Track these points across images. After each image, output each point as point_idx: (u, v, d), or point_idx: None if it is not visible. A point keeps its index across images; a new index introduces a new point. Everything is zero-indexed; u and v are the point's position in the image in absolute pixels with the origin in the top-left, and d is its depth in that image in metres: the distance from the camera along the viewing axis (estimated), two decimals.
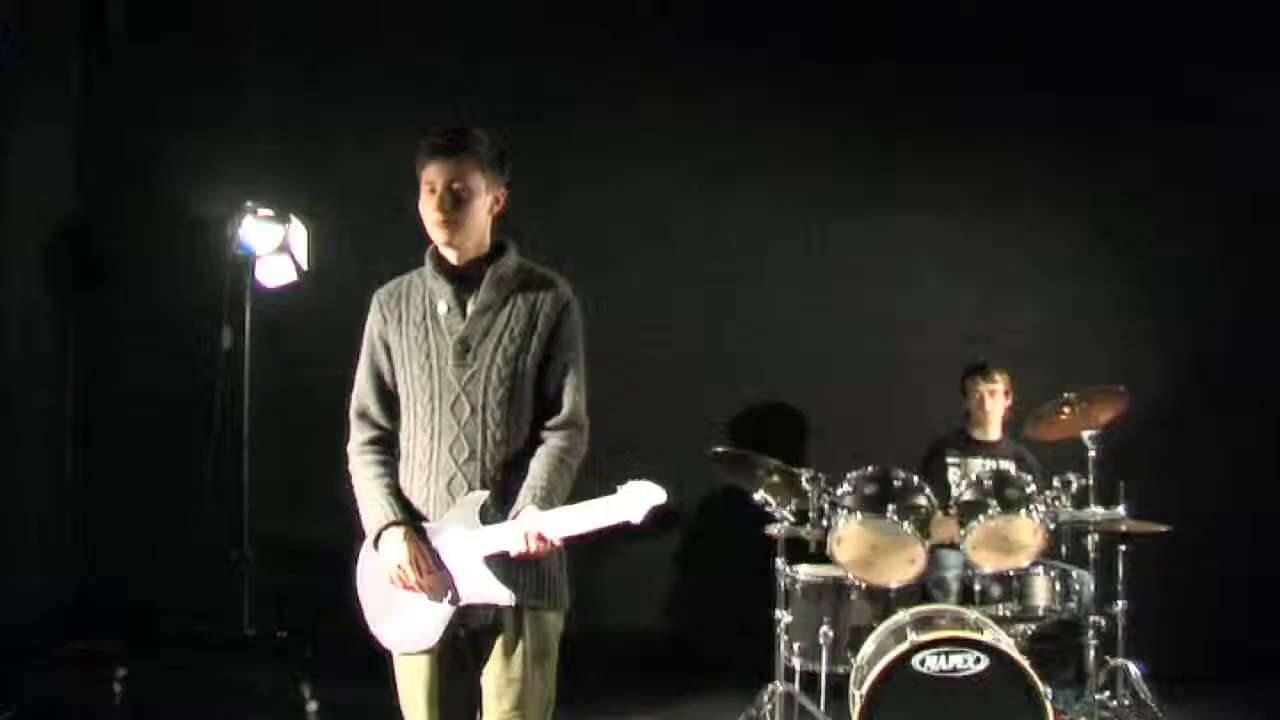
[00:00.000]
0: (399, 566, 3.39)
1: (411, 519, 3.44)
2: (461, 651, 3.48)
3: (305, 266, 6.18)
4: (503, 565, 3.35)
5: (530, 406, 3.47)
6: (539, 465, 3.41)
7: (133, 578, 6.75)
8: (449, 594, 3.39)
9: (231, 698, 5.91)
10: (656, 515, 3.27)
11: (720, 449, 5.61)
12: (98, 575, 6.99)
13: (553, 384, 3.49)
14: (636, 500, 3.24)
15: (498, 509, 3.39)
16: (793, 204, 6.89)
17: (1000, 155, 6.84)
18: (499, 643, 3.46)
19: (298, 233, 6.22)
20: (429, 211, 3.46)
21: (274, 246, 6.16)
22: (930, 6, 6.90)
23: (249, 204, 6.14)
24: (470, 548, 3.36)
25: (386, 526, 3.42)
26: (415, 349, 3.48)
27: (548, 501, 3.35)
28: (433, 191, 3.46)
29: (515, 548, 3.30)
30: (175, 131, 6.85)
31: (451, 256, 3.51)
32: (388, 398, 3.54)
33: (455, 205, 3.44)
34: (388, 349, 3.53)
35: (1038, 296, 6.87)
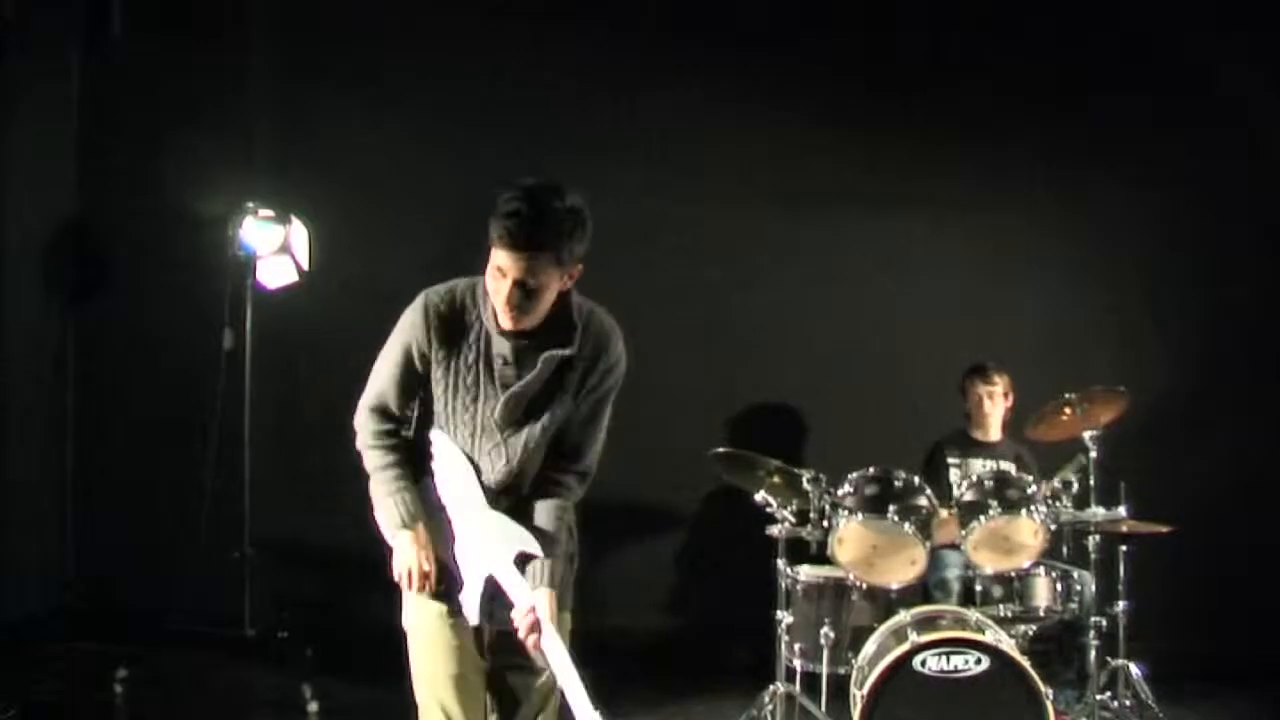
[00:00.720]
0: (408, 570, 3.43)
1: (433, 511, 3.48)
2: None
3: (306, 267, 6.18)
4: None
5: (562, 450, 3.54)
6: (551, 511, 3.50)
7: (133, 578, 6.75)
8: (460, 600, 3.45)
9: (232, 698, 5.91)
10: None
11: (721, 449, 5.61)
12: (98, 575, 6.99)
13: (576, 430, 3.53)
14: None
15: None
16: (792, 204, 6.88)
17: (1000, 155, 6.84)
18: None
19: (299, 233, 6.21)
20: (498, 296, 3.33)
21: (275, 247, 6.16)
22: (930, 6, 6.90)
23: (250, 204, 6.14)
24: (489, 556, 3.42)
25: (400, 530, 3.45)
26: (464, 389, 3.43)
27: (562, 583, 3.49)
28: (503, 276, 3.30)
29: (521, 617, 3.34)
30: (175, 131, 6.85)
31: (514, 321, 3.38)
32: (410, 397, 3.50)
33: (526, 298, 3.31)
34: (426, 366, 3.45)
35: (1038, 296, 6.88)
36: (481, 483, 3.45)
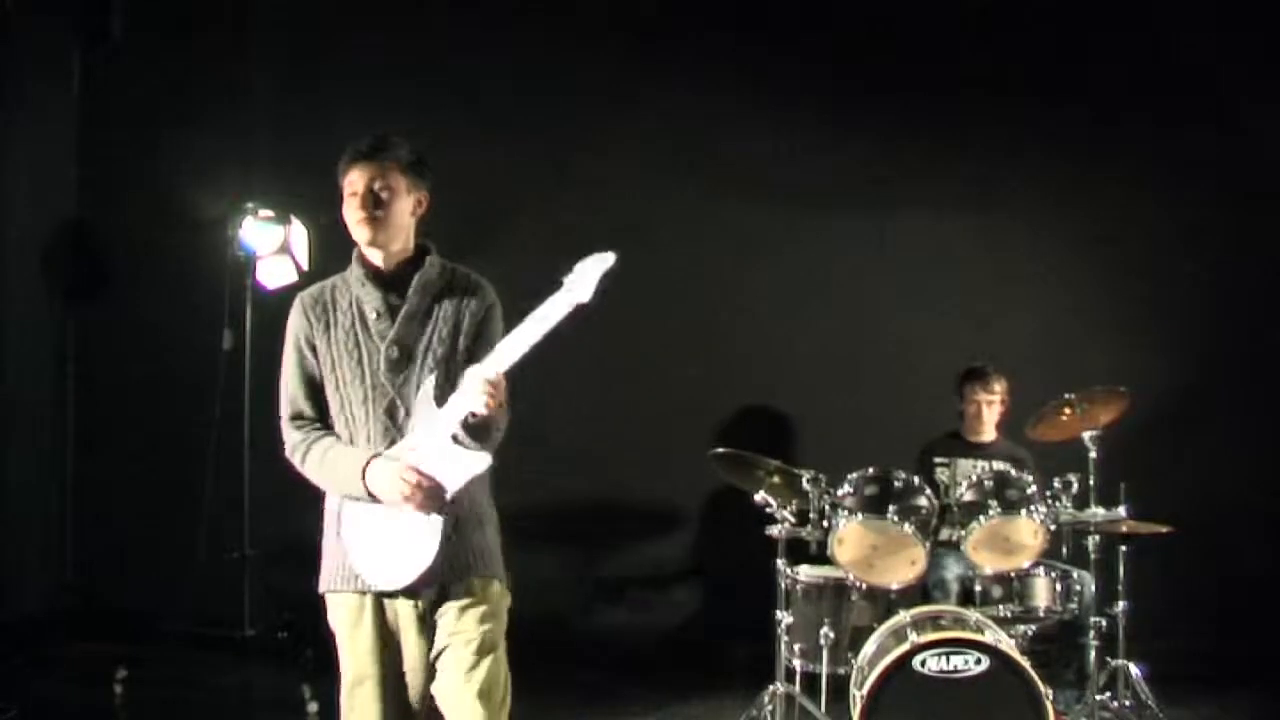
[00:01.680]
0: (403, 478, 3.42)
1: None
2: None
3: (306, 267, 6.18)
4: (447, 538, 3.44)
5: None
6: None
7: (133, 578, 6.76)
8: (441, 502, 3.45)
9: (231, 698, 5.91)
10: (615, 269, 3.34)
11: (721, 450, 5.60)
12: (98, 575, 6.99)
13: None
14: (587, 278, 3.37)
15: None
16: (792, 204, 6.88)
17: (1000, 156, 6.84)
18: (453, 607, 3.53)
19: (298, 234, 6.21)
20: (351, 212, 3.57)
21: (274, 247, 6.15)
22: (931, 6, 6.89)
23: (249, 205, 6.14)
24: (437, 433, 3.44)
25: (369, 462, 3.48)
26: (346, 355, 3.57)
27: (488, 553, 3.52)
28: (355, 194, 3.56)
29: (475, 403, 3.34)
30: (175, 132, 6.86)
31: (377, 259, 3.60)
32: (319, 397, 3.62)
33: (377, 205, 3.54)
34: (315, 353, 3.60)
35: (1037, 297, 6.87)
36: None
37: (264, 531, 6.22)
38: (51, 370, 7.03)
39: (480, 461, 3.46)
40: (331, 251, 6.35)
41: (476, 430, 3.42)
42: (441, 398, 3.48)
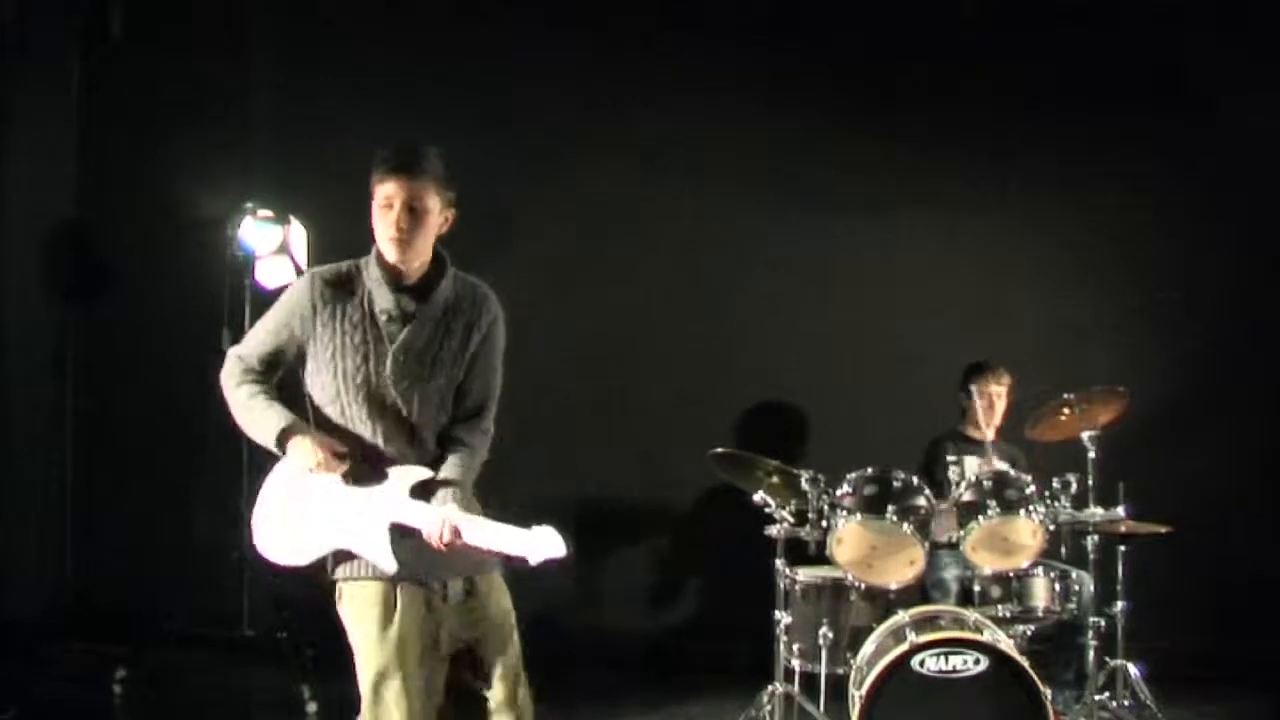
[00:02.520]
0: (318, 461, 3.52)
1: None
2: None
3: (305, 267, 6.18)
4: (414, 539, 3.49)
5: (458, 406, 3.68)
6: (459, 463, 3.59)
7: (132, 578, 6.76)
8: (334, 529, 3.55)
9: (231, 698, 5.92)
10: (553, 564, 3.39)
11: (720, 450, 5.60)
12: (97, 576, 6.99)
13: (475, 390, 3.69)
14: (540, 546, 3.36)
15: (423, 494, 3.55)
16: (793, 204, 6.88)
17: (1000, 156, 6.84)
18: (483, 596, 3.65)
19: (297, 234, 6.22)
20: (385, 227, 3.59)
21: (273, 247, 6.16)
22: (931, 7, 6.89)
23: (248, 205, 6.14)
24: (383, 509, 3.51)
25: (288, 429, 3.57)
26: (351, 347, 3.60)
27: (467, 502, 3.54)
28: (389, 207, 3.58)
29: (431, 532, 3.44)
30: (175, 132, 6.86)
31: (399, 265, 3.64)
32: (275, 364, 3.70)
33: (411, 224, 3.58)
34: (307, 332, 3.62)
35: (1036, 297, 6.87)
36: (381, 448, 3.57)
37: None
38: (50, 370, 7.03)
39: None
40: (331, 252, 6.39)
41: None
42: (442, 405, 3.60)
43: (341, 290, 3.64)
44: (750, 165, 6.90)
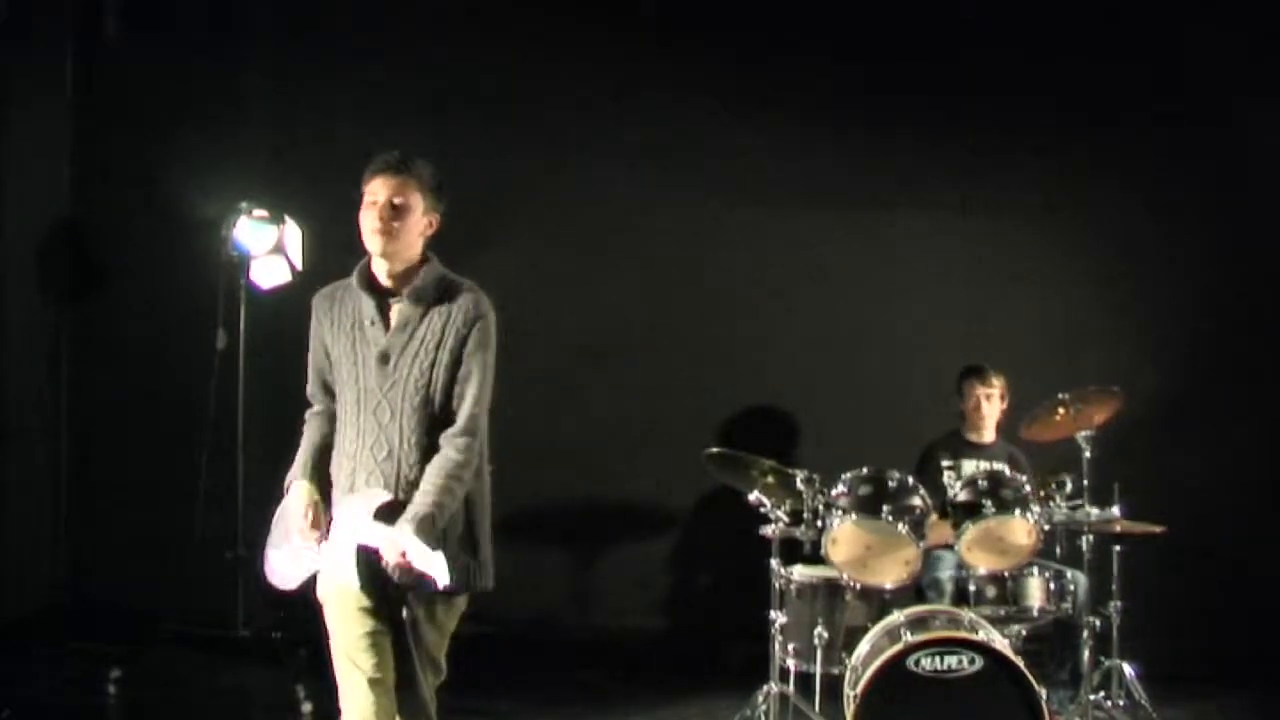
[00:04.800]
0: (299, 528, 3.76)
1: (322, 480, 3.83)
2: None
3: (300, 267, 6.18)
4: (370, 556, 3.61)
5: (440, 411, 3.72)
6: (429, 480, 3.64)
7: (128, 579, 6.75)
8: (315, 553, 3.74)
9: (226, 699, 5.91)
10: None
11: (715, 450, 5.61)
12: (93, 576, 6.98)
13: (455, 394, 3.72)
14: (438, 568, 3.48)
15: (395, 512, 3.62)
16: (790, 206, 6.88)
17: (998, 157, 6.84)
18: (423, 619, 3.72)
19: (292, 233, 6.21)
20: (369, 220, 3.72)
21: (269, 247, 6.15)
22: (930, 7, 6.89)
23: (244, 205, 6.14)
24: (354, 530, 3.65)
25: (295, 480, 3.83)
26: (344, 355, 3.78)
27: (429, 521, 3.56)
28: (374, 204, 3.72)
29: (386, 554, 3.55)
30: (171, 132, 6.85)
31: (382, 270, 3.76)
32: (327, 387, 3.89)
33: (393, 216, 3.70)
34: (325, 349, 3.83)
35: (1032, 297, 6.88)
36: (368, 451, 3.71)
37: (258, 531, 6.21)
38: (46, 370, 7.02)
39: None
40: (326, 252, 6.39)
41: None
42: (422, 407, 3.68)
43: (336, 304, 3.83)
44: (746, 166, 6.90)
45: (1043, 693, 4.69)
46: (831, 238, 6.92)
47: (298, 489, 3.83)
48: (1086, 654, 5.40)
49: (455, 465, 3.64)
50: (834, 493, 5.29)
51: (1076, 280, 6.86)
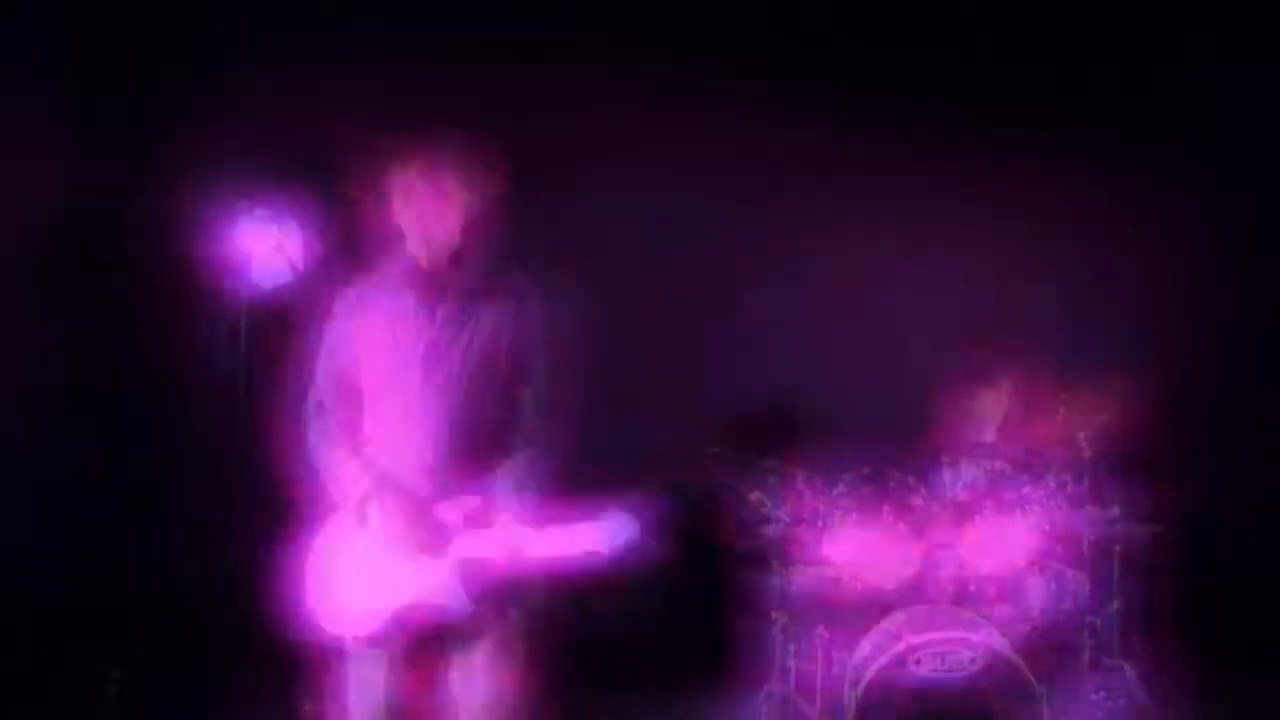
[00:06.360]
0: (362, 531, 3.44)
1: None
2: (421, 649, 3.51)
3: (300, 267, 6.18)
4: (468, 572, 3.38)
5: (496, 409, 3.52)
6: (513, 479, 3.46)
7: (129, 577, 6.74)
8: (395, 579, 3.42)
9: (226, 698, 5.91)
10: (630, 551, 3.35)
11: (715, 449, 5.61)
12: (94, 575, 6.97)
13: (516, 393, 3.55)
14: (607, 534, 3.32)
15: (475, 515, 3.43)
16: (791, 203, 6.88)
17: (1000, 156, 6.83)
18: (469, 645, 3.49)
19: (293, 233, 6.21)
20: (407, 209, 3.54)
21: (269, 247, 6.15)
22: (930, 8, 6.90)
23: (244, 204, 6.14)
24: (444, 545, 3.40)
25: (372, 491, 3.46)
26: (384, 352, 3.52)
27: (525, 516, 3.39)
28: (411, 196, 3.53)
29: (494, 557, 3.34)
30: (172, 132, 6.84)
31: (421, 257, 3.55)
32: (349, 394, 3.59)
33: (434, 204, 3.53)
34: (352, 348, 3.57)
35: (1035, 297, 6.88)
36: (430, 457, 3.46)
37: (258, 531, 6.22)
38: (47, 369, 7.01)
39: None
40: (326, 251, 6.39)
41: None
42: (469, 406, 3.45)
43: (370, 300, 3.61)
44: (747, 164, 6.90)
45: (1043, 693, 4.68)
46: (832, 236, 6.91)
47: (384, 501, 3.45)
48: (1087, 654, 5.39)
49: (529, 459, 3.51)
50: (835, 492, 5.30)
51: (1080, 279, 6.86)
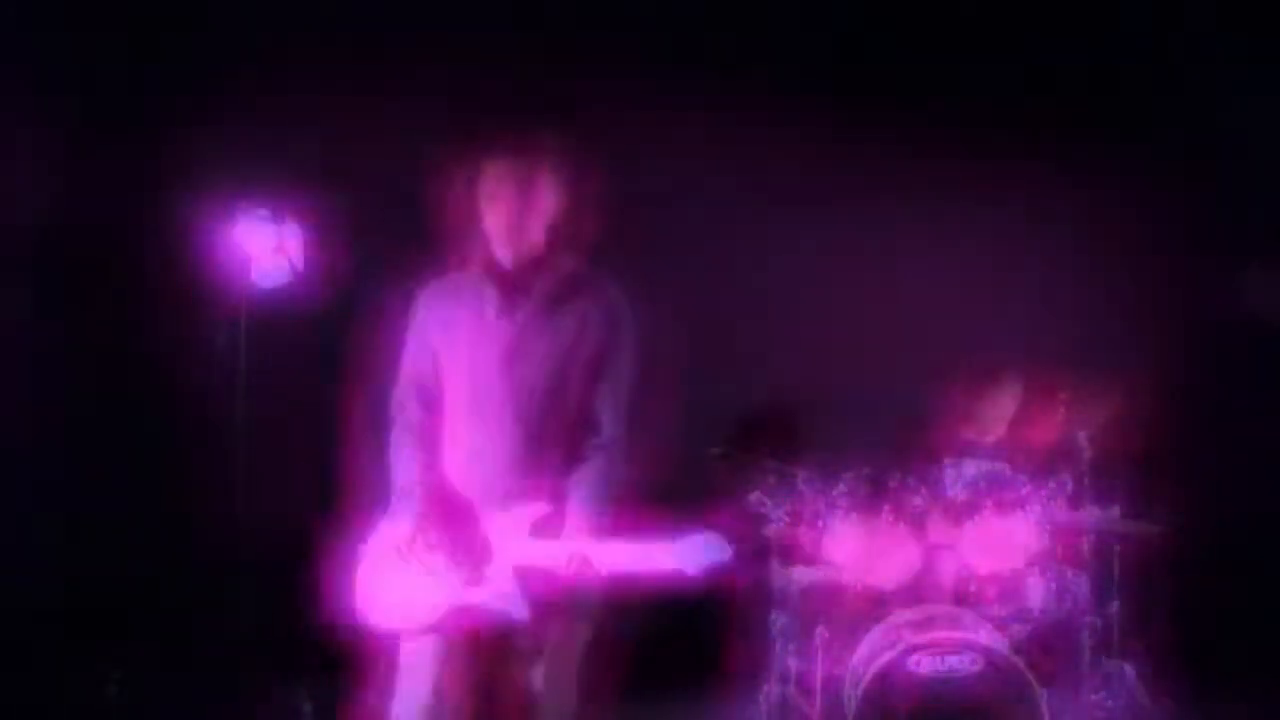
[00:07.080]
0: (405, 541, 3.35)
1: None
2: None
3: (300, 267, 6.18)
4: (530, 580, 3.29)
5: (573, 415, 3.42)
6: (587, 488, 3.35)
7: (129, 578, 6.74)
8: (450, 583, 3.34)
9: (227, 698, 5.90)
10: (714, 571, 3.21)
11: (716, 449, 5.61)
12: (93, 575, 6.97)
13: (596, 399, 3.45)
14: (697, 552, 3.22)
15: (543, 522, 3.33)
16: (792, 204, 6.88)
17: (1001, 157, 6.82)
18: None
19: (293, 233, 6.21)
20: (494, 216, 3.41)
21: (269, 247, 6.15)
22: (930, 8, 6.89)
23: (245, 203, 6.14)
24: (509, 552, 3.31)
25: (404, 496, 3.39)
26: (462, 351, 3.43)
27: (598, 529, 3.29)
28: (498, 186, 3.41)
29: (560, 569, 3.24)
30: (171, 131, 6.84)
31: (505, 258, 3.44)
32: (426, 395, 3.50)
33: (521, 211, 3.41)
34: (431, 347, 3.48)
35: (1035, 297, 6.87)
36: (503, 463, 3.37)
37: (258, 532, 6.22)
38: (43, 370, 7.01)
39: None
40: (327, 252, 6.39)
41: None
42: (545, 411, 3.37)
43: (449, 297, 3.51)
44: (747, 164, 6.90)
45: (1043, 693, 4.68)
46: (833, 235, 6.91)
47: (407, 509, 3.38)
48: (1087, 654, 5.39)
49: (606, 471, 3.40)
50: (835, 492, 5.30)
51: (1081, 280, 6.86)
